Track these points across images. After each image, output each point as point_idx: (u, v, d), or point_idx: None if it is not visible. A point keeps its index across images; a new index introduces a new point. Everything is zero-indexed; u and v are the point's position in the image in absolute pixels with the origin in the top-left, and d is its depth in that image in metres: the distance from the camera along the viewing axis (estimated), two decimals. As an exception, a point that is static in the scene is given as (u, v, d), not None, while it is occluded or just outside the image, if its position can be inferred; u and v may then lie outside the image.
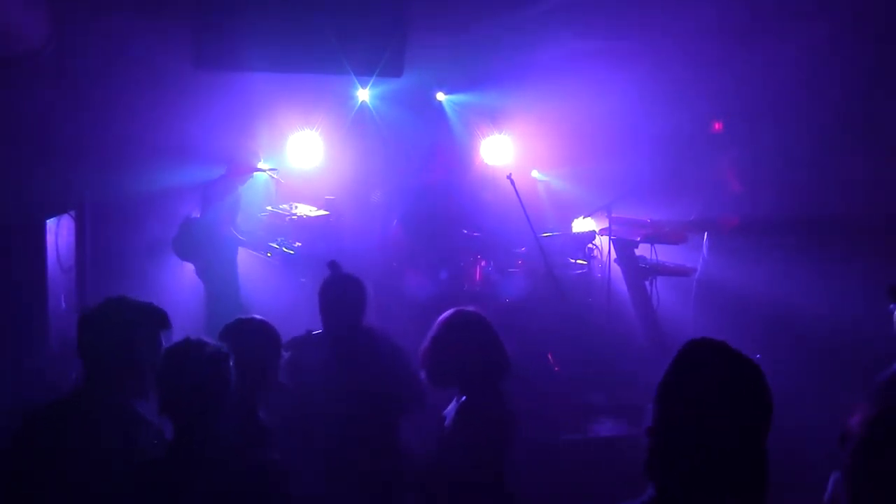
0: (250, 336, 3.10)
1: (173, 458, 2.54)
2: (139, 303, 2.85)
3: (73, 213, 5.57)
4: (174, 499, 2.49)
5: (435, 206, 6.43)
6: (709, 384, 1.76)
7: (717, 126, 7.03)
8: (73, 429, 2.66)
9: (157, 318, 2.83)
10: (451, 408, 3.38)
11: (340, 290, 3.71)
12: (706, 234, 6.57)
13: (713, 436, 1.73)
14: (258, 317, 3.26)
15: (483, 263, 6.44)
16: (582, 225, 6.85)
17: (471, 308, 3.44)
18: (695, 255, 6.63)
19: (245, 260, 6.55)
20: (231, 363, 2.61)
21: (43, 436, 2.66)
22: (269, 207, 6.81)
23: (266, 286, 6.42)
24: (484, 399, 3.25)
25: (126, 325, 2.75)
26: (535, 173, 7.49)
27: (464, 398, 3.29)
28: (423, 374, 3.37)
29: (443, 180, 6.55)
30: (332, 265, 3.80)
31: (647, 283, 6.49)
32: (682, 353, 1.82)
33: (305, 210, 6.70)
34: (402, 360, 3.63)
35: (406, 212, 6.52)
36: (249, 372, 2.85)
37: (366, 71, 6.51)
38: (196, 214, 6.19)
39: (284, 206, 6.77)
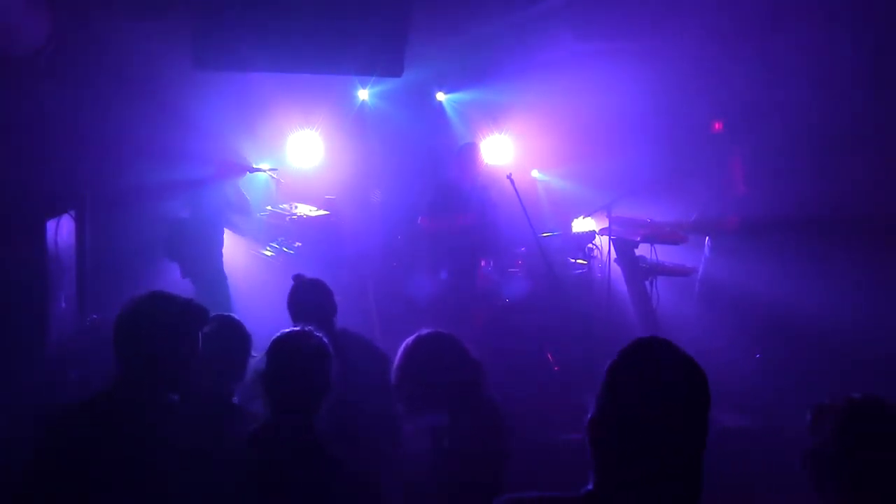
0: (220, 331, 3.18)
1: (268, 441, 2.61)
2: (180, 298, 2.79)
3: (73, 213, 5.57)
4: (263, 481, 2.55)
5: (466, 204, 6.30)
6: (652, 383, 1.71)
7: (718, 126, 7.02)
8: (111, 426, 2.59)
9: (198, 315, 2.78)
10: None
11: (309, 293, 3.75)
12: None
13: (651, 435, 1.69)
14: (233, 315, 3.40)
15: (483, 263, 6.44)
16: (582, 225, 6.85)
17: (427, 331, 3.32)
18: (695, 255, 6.63)
19: (245, 260, 6.55)
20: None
21: (79, 434, 2.57)
22: (269, 207, 6.80)
23: (266, 286, 6.41)
24: (470, 416, 3.18)
25: (167, 321, 2.69)
26: (535, 173, 7.49)
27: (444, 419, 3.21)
28: (399, 408, 3.27)
29: (470, 181, 6.43)
30: (296, 277, 3.86)
31: (647, 283, 6.48)
32: (628, 350, 1.77)
33: (305, 210, 6.70)
34: (377, 368, 3.52)
35: (434, 205, 6.32)
36: (216, 363, 3.03)
37: (365, 71, 6.51)
38: (184, 215, 6.18)
39: (284, 205, 6.77)
